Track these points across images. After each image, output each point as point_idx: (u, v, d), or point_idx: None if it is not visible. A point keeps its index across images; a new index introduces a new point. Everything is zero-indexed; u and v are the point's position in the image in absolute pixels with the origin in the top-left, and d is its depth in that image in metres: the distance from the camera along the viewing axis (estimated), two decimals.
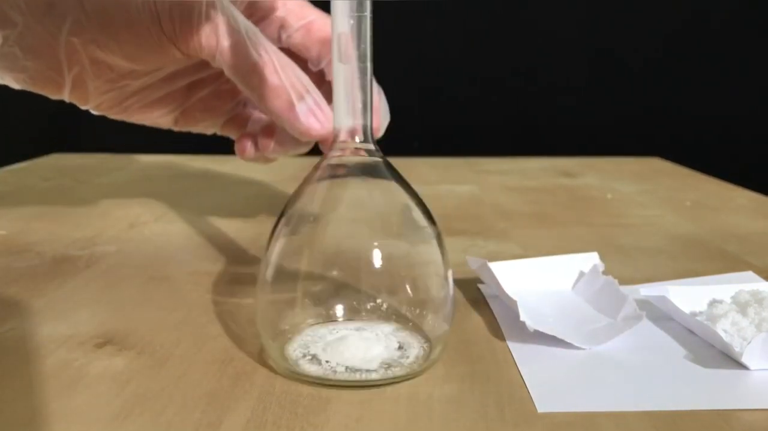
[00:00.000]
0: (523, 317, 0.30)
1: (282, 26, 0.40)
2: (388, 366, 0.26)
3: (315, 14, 0.40)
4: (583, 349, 0.29)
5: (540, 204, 0.59)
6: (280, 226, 0.28)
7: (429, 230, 0.28)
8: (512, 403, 0.25)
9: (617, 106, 0.99)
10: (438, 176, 0.73)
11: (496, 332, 0.31)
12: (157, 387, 0.26)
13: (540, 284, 0.36)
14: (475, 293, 0.36)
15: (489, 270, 0.35)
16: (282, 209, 0.28)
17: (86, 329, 0.31)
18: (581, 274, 0.36)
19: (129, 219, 0.52)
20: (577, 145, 0.97)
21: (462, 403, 0.25)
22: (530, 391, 0.26)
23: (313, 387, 0.26)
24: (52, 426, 0.23)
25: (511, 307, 0.32)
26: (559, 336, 0.29)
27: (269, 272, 0.27)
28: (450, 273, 0.28)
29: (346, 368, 0.26)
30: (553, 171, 0.77)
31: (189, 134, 0.45)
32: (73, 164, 0.78)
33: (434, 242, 0.28)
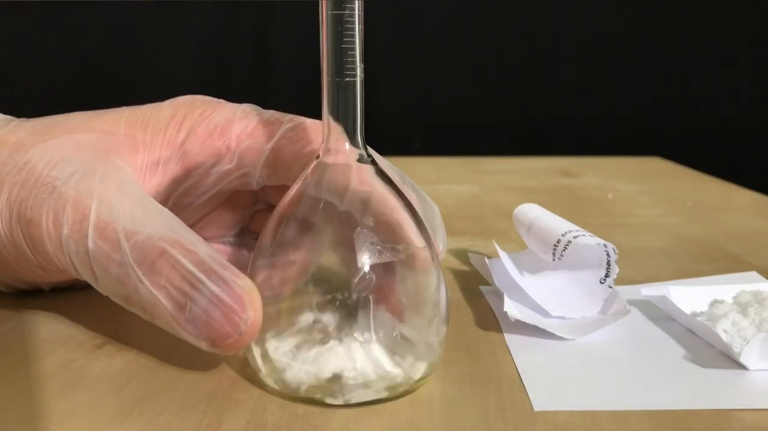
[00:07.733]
0: (506, 308, 0.30)
1: None
2: (367, 385, 0.24)
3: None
4: (570, 339, 0.30)
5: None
6: (269, 229, 0.26)
7: (422, 239, 0.26)
8: (513, 404, 0.25)
9: (618, 105, 0.99)
10: (438, 176, 0.73)
11: (497, 332, 0.31)
12: (157, 388, 0.26)
13: (539, 271, 0.35)
14: (475, 294, 0.36)
15: (485, 264, 0.35)
16: (273, 212, 0.27)
17: (86, 329, 0.31)
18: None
19: None
20: (577, 145, 0.97)
21: (462, 404, 0.25)
22: (527, 389, 0.26)
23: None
24: (52, 426, 0.23)
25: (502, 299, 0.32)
26: (541, 326, 0.30)
27: (260, 276, 0.26)
28: (445, 289, 0.26)
29: (323, 380, 0.24)
30: (553, 171, 0.76)
31: None
32: None
33: (428, 252, 0.26)
